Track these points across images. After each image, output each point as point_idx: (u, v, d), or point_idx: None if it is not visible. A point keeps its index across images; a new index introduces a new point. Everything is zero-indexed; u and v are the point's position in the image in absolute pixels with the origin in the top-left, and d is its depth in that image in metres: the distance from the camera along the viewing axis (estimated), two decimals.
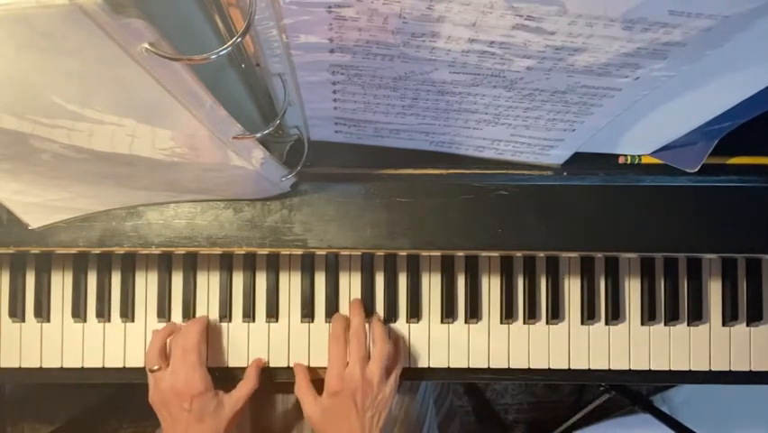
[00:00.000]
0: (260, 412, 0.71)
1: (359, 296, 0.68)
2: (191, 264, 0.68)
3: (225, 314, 0.67)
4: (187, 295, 0.68)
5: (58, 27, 0.23)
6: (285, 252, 0.66)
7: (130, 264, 0.68)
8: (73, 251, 0.59)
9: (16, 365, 0.67)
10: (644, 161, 0.58)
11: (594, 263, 0.69)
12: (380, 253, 0.68)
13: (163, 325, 0.67)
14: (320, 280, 0.68)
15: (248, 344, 0.68)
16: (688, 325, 0.69)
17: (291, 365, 0.67)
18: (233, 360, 0.67)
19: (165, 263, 0.68)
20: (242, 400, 0.62)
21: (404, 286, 0.68)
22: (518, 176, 0.57)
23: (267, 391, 0.65)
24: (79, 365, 0.67)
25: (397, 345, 0.67)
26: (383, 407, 0.61)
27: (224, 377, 0.66)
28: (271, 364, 0.68)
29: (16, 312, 0.67)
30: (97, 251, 0.63)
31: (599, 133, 0.50)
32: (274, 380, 0.68)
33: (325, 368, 0.64)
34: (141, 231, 0.56)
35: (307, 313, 0.67)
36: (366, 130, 0.53)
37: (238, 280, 0.68)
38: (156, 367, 0.61)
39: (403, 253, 0.68)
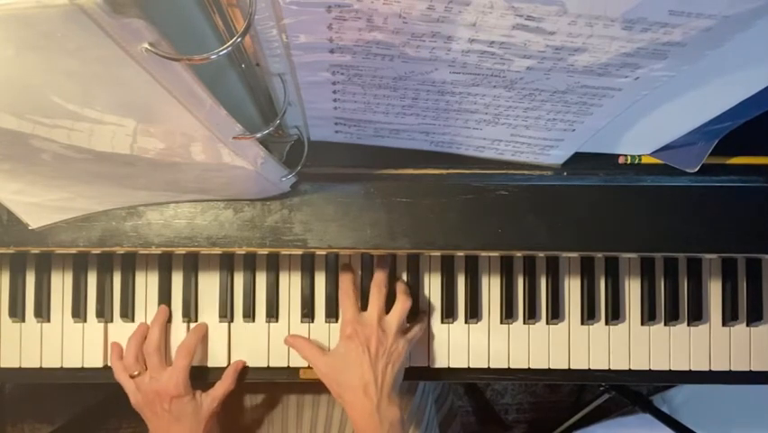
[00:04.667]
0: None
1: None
2: (191, 264, 0.68)
3: (225, 314, 0.67)
4: (187, 295, 0.68)
5: (58, 27, 0.23)
6: (285, 252, 0.66)
7: (130, 264, 0.68)
8: (73, 251, 0.59)
9: (16, 365, 0.67)
10: (644, 161, 0.58)
11: (594, 263, 0.69)
12: (380, 252, 0.68)
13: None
14: (320, 281, 0.68)
15: (248, 344, 0.68)
16: (688, 325, 0.69)
17: (291, 365, 0.68)
18: (235, 359, 0.67)
19: (165, 263, 0.68)
20: (217, 400, 0.64)
21: None
22: (518, 176, 0.57)
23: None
24: (79, 365, 0.67)
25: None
26: (396, 359, 0.61)
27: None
28: (271, 364, 0.68)
29: (16, 312, 0.67)
30: (97, 251, 0.63)
31: (599, 133, 0.50)
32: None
33: None
34: (141, 231, 0.56)
35: (307, 313, 0.67)
36: (366, 130, 0.53)
37: (238, 280, 0.68)
38: (136, 372, 0.63)
39: (403, 253, 0.68)
